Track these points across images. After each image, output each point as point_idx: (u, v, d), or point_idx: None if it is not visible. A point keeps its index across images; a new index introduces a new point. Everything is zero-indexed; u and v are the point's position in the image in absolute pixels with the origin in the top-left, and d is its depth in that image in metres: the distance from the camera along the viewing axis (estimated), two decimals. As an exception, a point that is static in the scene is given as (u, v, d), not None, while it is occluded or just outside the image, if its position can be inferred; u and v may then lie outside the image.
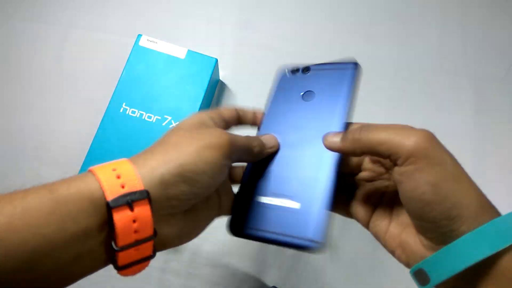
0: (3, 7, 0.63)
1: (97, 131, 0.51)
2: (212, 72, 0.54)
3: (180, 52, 0.54)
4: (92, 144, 0.50)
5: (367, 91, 0.61)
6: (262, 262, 0.54)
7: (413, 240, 0.24)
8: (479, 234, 0.20)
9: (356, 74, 0.30)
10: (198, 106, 0.52)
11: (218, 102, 0.60)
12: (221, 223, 0.55)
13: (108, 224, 0.21)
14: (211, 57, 0.54)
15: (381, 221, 0.27)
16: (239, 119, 0.32)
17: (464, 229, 0.21)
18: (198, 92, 0.53)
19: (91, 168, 0.23)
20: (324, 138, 0.28)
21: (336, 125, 0.29)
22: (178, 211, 0.25)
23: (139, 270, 0.25)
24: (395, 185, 0.24)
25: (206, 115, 0.29)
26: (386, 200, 0.28)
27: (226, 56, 0.62)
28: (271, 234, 0.27)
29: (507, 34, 0.65)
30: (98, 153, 0.50)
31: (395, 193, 0.25)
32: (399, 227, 0.25)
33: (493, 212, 0.22)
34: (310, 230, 0.26)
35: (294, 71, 0.33)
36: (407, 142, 0.21)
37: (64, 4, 0.64)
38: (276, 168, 0.29)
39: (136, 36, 0.54)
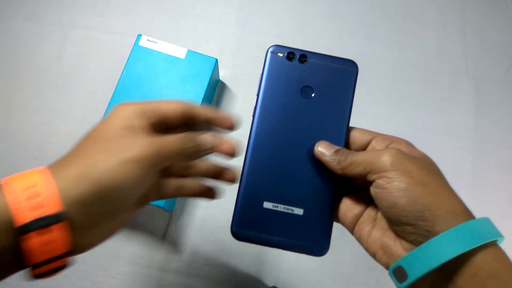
0: (3, 6, 0.63)
1: (97, 131, 0.51)
2: (212, 72, 0.54)
3: (180, 52, 0.54)
4: (92, 144, 0.50)
5: (367, 91, 0.62)
6: (262, 262, 0.54)
7: (393, 243, 0.25)
8: (454, 232, 0.22)
9: (357, 75, 0.30)
10: (198, 106, 0.52)
11: (218, 102, 0.60)
12: (221, 223, 0.55)
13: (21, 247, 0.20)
14: (211, 57, 0.54)
15: (365, 226, 0.28)
16: (187, 118, 0.29)
17: (439, 229, 0.22)
18: (198, 92, 0.53)
19: (2, 184, 0.21)
20: (316, 145, 0.28)
21: (339, 130, 0.29)
22: (98, 223, 0.24)
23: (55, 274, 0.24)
24: None
25: (135, 115, 0.26)
26: (371, 206, 0.29)
27: (226, 56, 0.62)
28: (275, 239, 0.27)
29: (507, 34, 0.65)
30: (98, 153, 0.50)
31: None
32: (380, 231, 0.27)
33: (468, 215, 0.23)
34: (314, 235, 0.27)
35: (290, 56, 0.30)
36: (379, 159, 0.25)
37: (64, 4, 0.64)
38: (278, 170, 0.29)
39: (136, 36, 0.54)
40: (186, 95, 0.52)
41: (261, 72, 0.31)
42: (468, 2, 0.66)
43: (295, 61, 0.30)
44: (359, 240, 0.28)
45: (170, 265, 0.53)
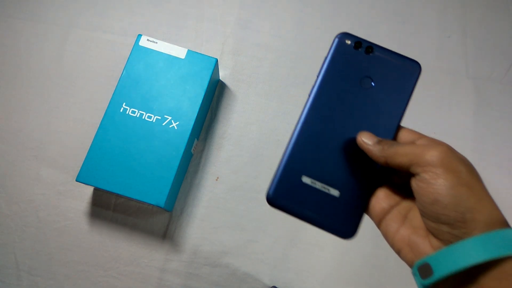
0: (3, 6, 0.63)
1: (97, 131, 0.51)
2: (212, 72, 0.54)
3: (180, 52, 0.54)
4: (92, 144, 0.50)
5: (367, 91, 0.61)
6: (262, 262, 0.54)
7: (422, 241, 0.25)
8: (489, 237, 0.22)
9: (419, 76, 0.30)
10: (198, 106, 0.52)
11: (218, 102, 0.60)
12: (221, 223, 0.55)
13: None
14: (211, 57, 0.54)
15: (394, 222, 0.28)
16: None
17: (476, 233, 0.22)
18: (199, 92, 0.53)
19: None
20: (358, 135, 0.29)
21: (389, 125, 0.29)
22: None
23: None
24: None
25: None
26: (404, 204, 0.29)
27: (226, 56, 0.62)
28: (307, 213, 0.28)
29: (507, 34, 0.65)
30: (98, 153, 0.50)
31: (413, 199, 0.28)
32: (409, 230, 0.27)
33: (504, 224, 0.24)
34: (344, 218, 0.28)
35: (357, 46, 0.31)
36: (427, 153, 0.24)
37: (64, 4, 0.64)
38: (324, 151, 0.29)
39: (136, 36, 0.54)
40: (186, 95, 0.52)
41: (325, 55, 0.31)
42: (468, 2, 0.66)
43: (361, 51, 0.31)
44: (385, 235, 0.29)
45: (170, 265, 0.53)
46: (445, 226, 0.23)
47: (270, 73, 0.62)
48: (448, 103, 0.61)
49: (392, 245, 0.28)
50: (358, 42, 0.31)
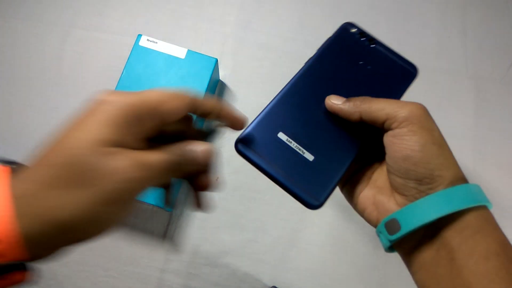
0: (3, 6, 0.63)
1: (97, 131, 0.51)
2: (212, 72, 0.54)
3: (180, 52, 0.54)
4: (92, 144, 0.50)
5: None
6: (262, 262, 0.54)
7: (387, 200, 0.26)
8: (452, 191, 0.23)
9: (414, 79, 0.31)
10: (198, 106, 0.52)
11: (218, 102, 0.60)
12: (221, 223, 0.55)
13: None
14: (211, 57, 0.54)
15: (357, 184, 0.29)
16: (190, 112, 0.25)
17: (441, 188, 0.23)
18: (198, 92, 0.53)
19: None
20: (327, 98, 0.28)
21: None
22: (53, 252, 0.21)
23: None
24: (381, 150, 0.26)
25: (124, 117, 0.20)
26: (367, 166, 0.29)
27: (226, 56, 0.62)
28: (275, 169, 0.27)
29: (507, 34, 0.65)
30: (98, 153, 0.50)
31: (377, 160, 0.29)
32: (374, 189, 0.28)
33: (464, 179, 0.25)
34: (313, 185, 0.26)
35: (361, 34, 0.32)
36: (404, 109, 0.24)
37: (64, 4, 0.64)
38: (306, 114, 0.29)
39: (136, 36, 0.54)
40: (186, 95, 0.52)
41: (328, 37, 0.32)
42: (468, 2, 0.66)
43: (364, 40, 0.31)
44: (348, 197, 0.29)
45: (170, 265, 0.53)
46: (412, 182, 0.24)
47: (270, 73, 0.62)
48: (448, 103, 0.61)
49: (355, 205, 0.28)
50: (363, 33, 0.32)
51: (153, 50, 0.54)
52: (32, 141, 0.58)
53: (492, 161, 0.58)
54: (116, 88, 0.52)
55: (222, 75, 0.61)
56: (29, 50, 0.62)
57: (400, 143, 0.24)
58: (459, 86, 0.62)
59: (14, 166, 0.21)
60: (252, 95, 0.61)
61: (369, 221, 0.28)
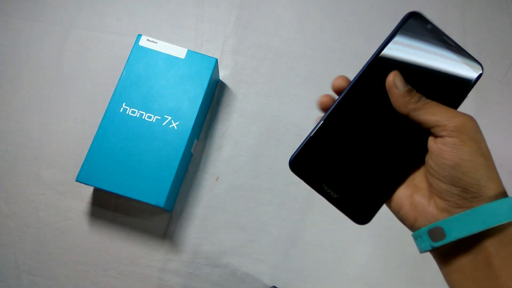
0: (3, 6, 0.63)
1: (97, 131, 0.51)
2: (212, 72, 0.54)
3: (180, 52, 0.54)
4: (92, 144, 0.50)
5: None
6: (262, 262, 0.54)
7: (427, 202, 0.27)
8: (499, 205, 0.24)
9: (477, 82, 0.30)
10: (198, 106, 0.52)
11: (218, 102, 0.60)
12: (221, 223, 0.55)
13: None
14: (211, 57, 0.54)
15: None
16: None
17: (485, 197, 0.24)
18: (198, 92, 0.53)
19: None
20: (391, 74, 0.28)
21: None
22: None
23: None
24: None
25: None
26: None
27: (226, 56, 0.62)
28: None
29: (507, 34, 0.65)
30: (98, 153, 0.50)
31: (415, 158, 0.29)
32: (410, 189, 0.28)
33: (505, 193, 0.26)
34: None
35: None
36: (455, 119, 0.25)
37: (64, 4, 0.64)
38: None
39: (136, 36, 0.54)
40: (186, 95, 0.52)
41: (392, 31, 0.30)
42: (468, 2, 0.66)
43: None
44: None
45: (170, 265, 0.53)
46: (457, 189, 0.25)
47: (270, 73, 0.62)
48: (448, 103, 0.61)
49: (391, 202, 0.29)
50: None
51: (153, 50, 0.54)
52: (32, 141, 0.58)
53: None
54: (116, 88, 0.52)
55: (222, 75, 0.61)
56: (29, 50, 0.62)
57: (450, 151, 0.25)
58: (459, 86, 0.62)
59: None
60: (252, 95, 0.61)
61: (404, 219, 0.28)
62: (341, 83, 0.29)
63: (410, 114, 0.27)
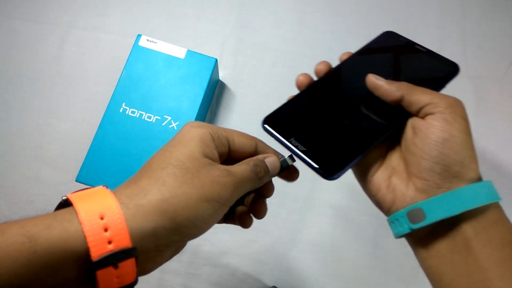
0: (3, 6, 0.63)
1: (97, 131, 0.51)
2: (212, 72, 0.54)
3: (180, 52, 0.54)
4: (92, 144, 0.50)
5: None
6: (262, 262, 0.54)
7: (405, 184, 0.27)
8: (479, 187, 0.24)
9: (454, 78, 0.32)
10: (198, 106, 0.52)
11: (218, 102, 0.60)
12: (221, 223, 0.55)
13: (89, 280, 0.20)
14: (211, 57, 0.54)
15: (370, 162, 0.29)
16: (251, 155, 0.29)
17: (466, 178, 0.24)
18: (198, 92, 0.53)
19: (76, 208, 0.20)
20: (368, 75, 0.29)
21: None
22: (163, 252, 0.23)
23: None
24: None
25: (210, 140, 0.26)
26: (381, 147, 0.30)
27: (226, 56, 0.62)
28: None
29: (507, 34, 0.65)
30: (98, 153, 0.50)
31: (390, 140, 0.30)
32: (388, 172, 0.28)
33: (481, 177, 0.26)
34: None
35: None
36: (447, 98, 0.26)
37: (64, 4, 0.64)
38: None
39: (136, 36, 0.54)
40: (186, 95, 0.52)
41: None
42: (468, 2, 0.66)
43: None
44: (359, 175, 0.30)
45: (170, 265, 0.53)
46: (440, 167, 0.25)
47: (270, 73, 0.62)
48: (448, 103, 0.61)
49: (367, 184, 0.29)
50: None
51: (152, 50, 0.54)
52: (32, 141, 0.58)
53: (492, 161, 0.58)
54: (116, 88, 0.52)
55: (222, 75, 0.61)
56: (29, 50, 0.62)
57: (441, 127, 0.25)
58: (458, 85, 0.62)
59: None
60: (252, 95, 0.61)
61: (381, 202, 0.28)
62: (322, 68, 0.33)
63: (403, 96, 0.27)
